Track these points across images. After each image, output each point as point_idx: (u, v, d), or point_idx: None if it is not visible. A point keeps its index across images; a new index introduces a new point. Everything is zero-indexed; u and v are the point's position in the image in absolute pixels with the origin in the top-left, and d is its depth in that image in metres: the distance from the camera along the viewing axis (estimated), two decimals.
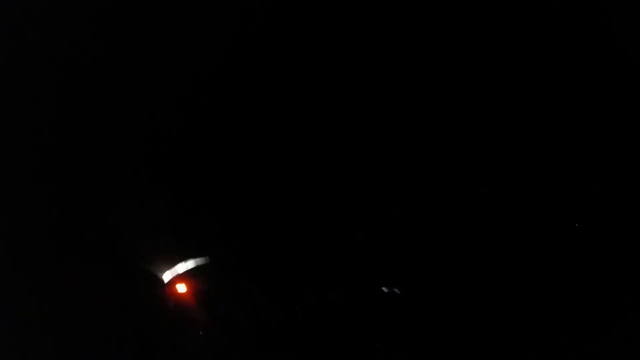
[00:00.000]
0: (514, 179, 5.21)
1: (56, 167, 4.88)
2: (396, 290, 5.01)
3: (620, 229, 5.01)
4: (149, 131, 5.07)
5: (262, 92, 5.33)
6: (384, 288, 5.02)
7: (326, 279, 5.04)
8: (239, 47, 5.19)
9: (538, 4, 5.15)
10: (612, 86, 5.13)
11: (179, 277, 5.03)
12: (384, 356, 4.83)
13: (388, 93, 5.42)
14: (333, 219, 5.14)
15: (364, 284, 5.03)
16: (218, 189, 5.23)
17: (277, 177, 5.25)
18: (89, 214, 4.95)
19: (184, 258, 5.11)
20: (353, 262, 5.08)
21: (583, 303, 4.87)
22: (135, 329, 4.71)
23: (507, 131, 5.29)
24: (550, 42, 5.19)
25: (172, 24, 5.01)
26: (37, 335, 4.49)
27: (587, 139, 5.16)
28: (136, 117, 5.01)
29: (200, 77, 5.22)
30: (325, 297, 4.99)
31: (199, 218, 5.21)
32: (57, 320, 4.57)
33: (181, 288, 4.99)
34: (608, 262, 4.98)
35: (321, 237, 5.14)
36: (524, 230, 5.08)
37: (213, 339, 4.91)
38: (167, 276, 5.06)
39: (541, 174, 5.18)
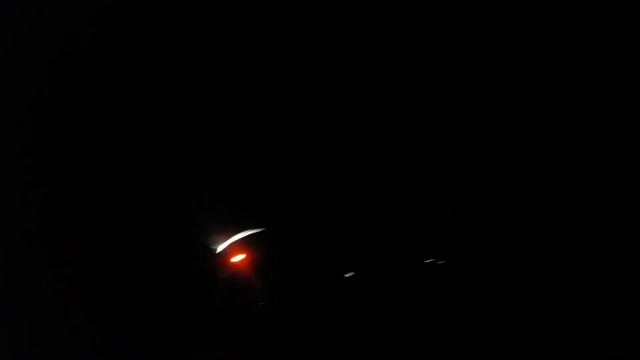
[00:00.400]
0: (514, 179, 5.21)
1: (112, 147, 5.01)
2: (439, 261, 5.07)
3: (620, 229, 5.02)
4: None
5: (263, 93, 5.34)
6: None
7: (379, 252, 5.12)
8: (239, 47, 5.20)
9: (538, 4, 5.16)
10: (612, 86, 5.13)
11: (234, 246, 5.12)
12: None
13: (388, 93, 5.43)
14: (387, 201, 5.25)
15: (413, 257, 5.09)
16: (272, 160, 5.35)
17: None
18: (141, 188, 5.06)
19: (239, 228, 5.19)
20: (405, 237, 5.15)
21: (583, 303, 4.87)
22: (192, 300, 4.83)
23: (507, 131, 5.29)
24: (550, 42, 5.20)
25: (172, 24, 5.03)
26: (97, 306, 4.62)
27: (587, 139, 5.17)
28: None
29: (201, 77, 5.23)
30: (378, 269, 5.08)
31: (253, 188, 5.34)
32: (115, 293, 4.68)
33: (236, 257, 5.11)
34: (608, 263, 4.98)
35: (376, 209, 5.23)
36: (524, 230, 5.08)
37: (268, 309, 5.01)
38: (222, 246, 5.15)
39: (541, 174, 5.18)
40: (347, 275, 5.03)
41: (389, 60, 5.38)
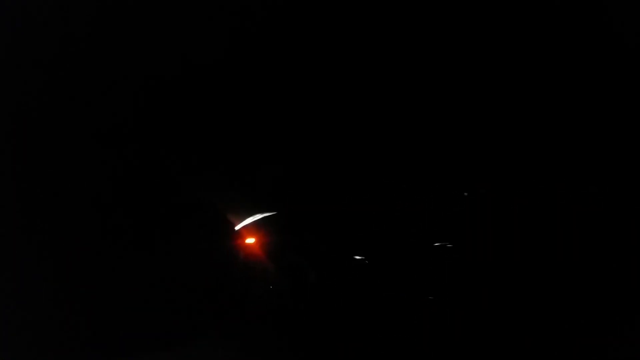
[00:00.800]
0: (514, 179, 5.20)
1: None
2: (448, 244, 5.08)
3: (620, 229, 5.01)
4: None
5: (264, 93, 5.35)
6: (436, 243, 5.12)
7: (387, 235, 5.15)
8: (239, 47, 5.20)
9: (538, 4, 5.16)
10: (612, 86, 5.13)
11: (246, 229, 5.19)
12: (437, 307, 4.95)
13: (388, 94, 5.43)
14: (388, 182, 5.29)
15: (419, 238, 5.12)
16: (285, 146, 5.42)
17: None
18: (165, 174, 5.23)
19: (252, 212, 5.30)
20: (410, 221, 5.17)
21: (583, 303, 4.86)
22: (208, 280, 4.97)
23: (507, 132, 5.28)
24: (550, 42, 5.19)
25: (173, 23, 5.03)
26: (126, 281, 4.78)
27: (587, 139, 5.16)
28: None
29: (203, 75, 5.25)
30: (387, 251, 5.11)
31: (266, 173, 5.44)
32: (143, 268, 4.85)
33: (249, 240, 5.16)
34: (608, 262, 4.97)
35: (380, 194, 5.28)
36: (524, 230, 5.07)
37: (280, 289, 5.10)
38: (235, 229, 5.25)
39: (541, 174, 5.17)
40: (357, 257, 5.09)
41: (389, 62, 5.37)
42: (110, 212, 4.98)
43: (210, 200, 5.26)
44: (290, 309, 5.06)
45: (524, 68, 5.27)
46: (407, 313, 4.96)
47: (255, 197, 5.42)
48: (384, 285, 5.03)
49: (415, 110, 5.41)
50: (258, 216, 5.27)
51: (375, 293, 5.02)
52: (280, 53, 5.32)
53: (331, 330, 4.90)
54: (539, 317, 4.81)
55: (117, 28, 4.98)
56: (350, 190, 5.31)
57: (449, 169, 5.29)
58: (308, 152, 5.41)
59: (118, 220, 4.99)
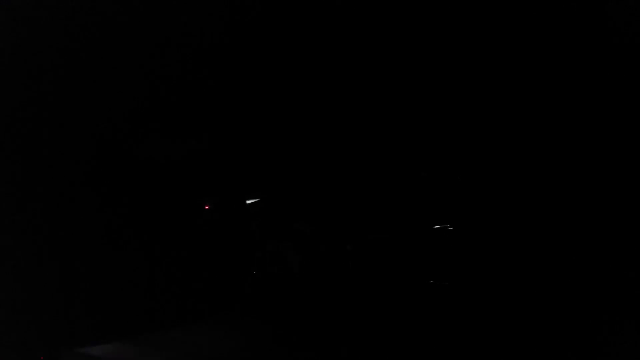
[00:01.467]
0: (514, 179, 5.21)
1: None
2: (449, 227, 5.10)
3: (620, 228, 5.00)
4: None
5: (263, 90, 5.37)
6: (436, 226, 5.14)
7: (373, 220, 5.15)
8: (241, 49, 5.22)
9: (538, 4, 5.16)
10: (611, 86, 5.13)
11: (236, 214, 5.24)
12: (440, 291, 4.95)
13: (386, 93, 5.44)
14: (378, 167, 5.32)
15: (410, 225, 5.14)
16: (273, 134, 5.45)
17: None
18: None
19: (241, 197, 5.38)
20: (398, 206, 5.20)
21: (582, 303, 4.86)
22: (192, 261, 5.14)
23: (507, 131, 5.29)
24: (550, 42, 5.20)
25: (173, 23, 5.04)
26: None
27: (586, 139, 5.16)
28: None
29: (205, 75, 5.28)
30: (372, 236, 5.12)
31: (252, 159, 5.51)
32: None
33: (237, 224, 5.24)
34: (608, 262, 4.97)
35: (368, 180, 5.29)
36: (524, 229, 5.07)
37: (266, 275, 5.17)
38: (224, 213, 5.31)
39: (541, 173, 5.17)
40: (348, 247, 5.11)
41: (388, 62, 5.39)
42: (115, 207, 5.05)
43: (199, 188, 5.32)
44: (275, 296, 5.09)
45: (524, 68, 5.29)
46: (405, 300, 4.99)
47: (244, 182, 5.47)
48: (379, 273, 5.05)
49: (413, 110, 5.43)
50: (248, 201, 5.31)
51: (367, 281, 5.04)
52: (280, 55, 5.36)
53: (317, 318, 4.92)
54: (539, 317, 4.82)
55: (114, 26, 5.00)
56: (338, 173, 5.36)
57: (448, 169, 5.30)
58: (296, 139, 5.45)
59: (122, 217, 5.07)
